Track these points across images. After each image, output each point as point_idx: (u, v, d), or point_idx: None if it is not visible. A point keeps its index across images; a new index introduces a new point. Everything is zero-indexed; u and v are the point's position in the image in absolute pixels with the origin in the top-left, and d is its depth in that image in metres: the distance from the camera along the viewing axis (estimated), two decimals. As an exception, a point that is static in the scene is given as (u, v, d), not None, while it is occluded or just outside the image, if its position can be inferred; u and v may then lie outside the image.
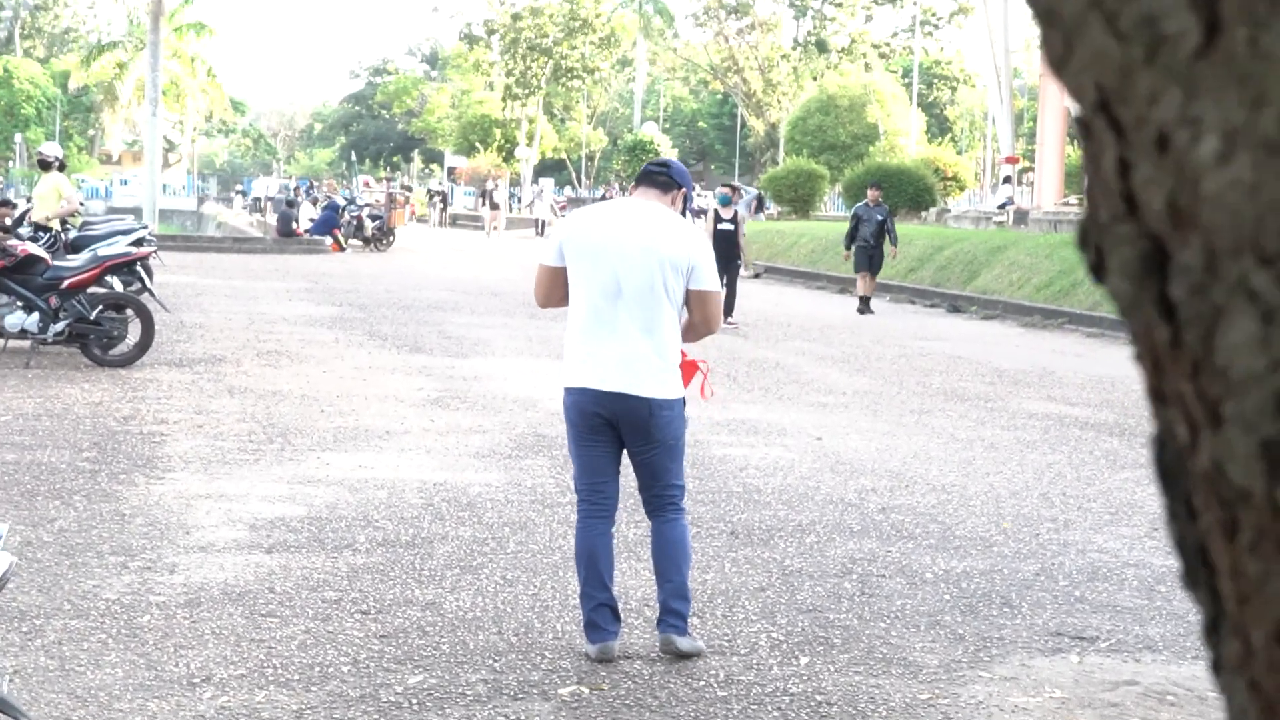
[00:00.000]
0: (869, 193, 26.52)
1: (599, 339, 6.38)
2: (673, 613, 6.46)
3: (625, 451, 6.58)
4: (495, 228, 58.26)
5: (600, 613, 6.39)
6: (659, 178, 6.68)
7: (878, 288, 26.95)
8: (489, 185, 64.06)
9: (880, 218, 25.65)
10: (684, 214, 6.77)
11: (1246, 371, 0.80)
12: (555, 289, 6.59)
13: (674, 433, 6.49)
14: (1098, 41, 0.82)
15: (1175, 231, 0.80)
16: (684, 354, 6.72)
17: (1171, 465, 0.87)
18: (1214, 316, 0.80)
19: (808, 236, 37.96)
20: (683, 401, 6.56)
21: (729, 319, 21.32)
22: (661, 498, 6.55)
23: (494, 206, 59.55)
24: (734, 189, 24.33)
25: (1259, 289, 0.78)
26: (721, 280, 21.09)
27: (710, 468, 10.69)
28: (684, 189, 6.73)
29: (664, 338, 6.40)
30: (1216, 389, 0.81)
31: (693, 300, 6.49)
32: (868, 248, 25.59)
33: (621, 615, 6.62)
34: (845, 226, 27.86)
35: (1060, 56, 0.86)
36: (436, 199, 69.73)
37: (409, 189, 72.47)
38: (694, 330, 6.59)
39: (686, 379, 6.76)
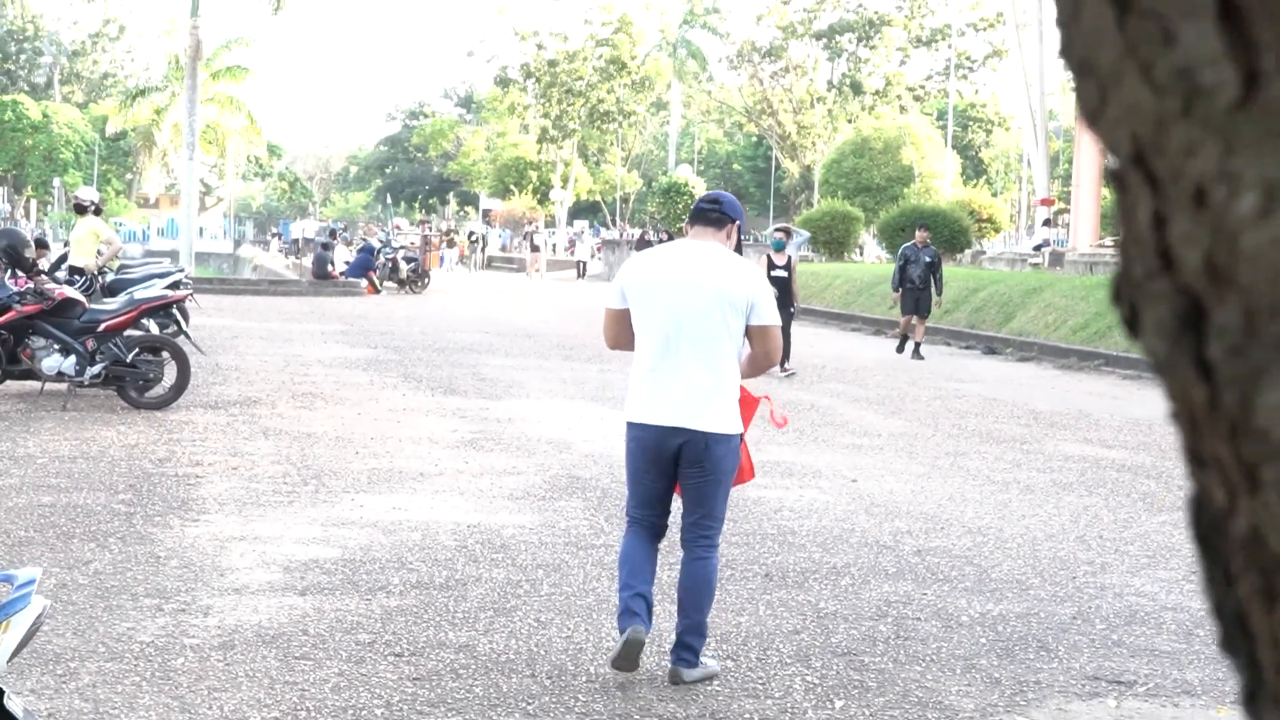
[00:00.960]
0: (917, 234, 25.43)
1: (661, 376, 6.57)
2: (686, 647, 6.67)
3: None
4: (536, 270, 58.41)
5: (636, 601, 6.55)
6: (711, 214, 6.82)
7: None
8: (529, 228, 64.26)
9: (929, 260, 24.82)
10: (739, 247, 6.86)
11: (1287, 435, 0.77)
12: (623, 331, 6.80)
13: (726, 466, 6.67)
14: (1133, 93, 0.80)
15: (1213, 289, 0.78)
16: (745, 390, 6.80)
17: (1209, 529, 0.85)
18: (1253, 377, 0.77)
19: (843, 278, 37.87)
20: (740, 437, 6.70)
21: (785, 366, 20.60)
22: (699, 528, 6.70)
23: (534, 249, 59.72)
24: (787, 231, 22.99)
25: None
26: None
27: (745, 509, 10.64)
28: (737, 221, 6.86)
29: (724, 374, 6.58)
30: (1255, 452, 0.78)
31: (754, 335, 6.66)
32: (914, 290, 24.74)
33: (653, 620, 6.66)
34: (881, 267, 27.42)
35: (1095, 108, 0.84)
36: (478, 241, 70.07)
37: (454, 232, 72.62)
38: (754, 364, 6.76)
39: (751, 414, 6.86)
